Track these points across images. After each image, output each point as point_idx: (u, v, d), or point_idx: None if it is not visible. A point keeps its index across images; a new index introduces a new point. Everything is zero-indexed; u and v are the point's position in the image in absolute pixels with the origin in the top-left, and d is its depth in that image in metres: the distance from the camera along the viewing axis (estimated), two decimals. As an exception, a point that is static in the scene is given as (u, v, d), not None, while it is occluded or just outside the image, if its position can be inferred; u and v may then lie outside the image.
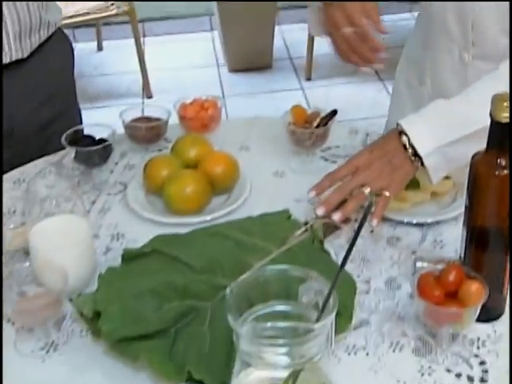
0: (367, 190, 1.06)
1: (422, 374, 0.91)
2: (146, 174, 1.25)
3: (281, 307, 0.77)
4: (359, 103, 3.28)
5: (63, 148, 1.29)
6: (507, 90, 0.99)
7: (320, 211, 1.05)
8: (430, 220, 1.17)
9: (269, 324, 0.73)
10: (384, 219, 1.17)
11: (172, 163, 1.25)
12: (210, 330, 0.91)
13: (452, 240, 1.13)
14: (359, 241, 0.92)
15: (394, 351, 0.95)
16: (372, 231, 1.13)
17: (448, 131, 1.06)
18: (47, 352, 0.96)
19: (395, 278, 1.07)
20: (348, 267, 1.05)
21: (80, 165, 1.29)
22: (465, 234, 0.96)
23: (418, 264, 1.07)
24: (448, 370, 0.92)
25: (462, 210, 0.98)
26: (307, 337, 0.70)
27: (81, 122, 1.57)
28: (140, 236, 1.16)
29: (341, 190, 1.08)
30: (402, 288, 1.05)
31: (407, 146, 1.07)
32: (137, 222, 1.21)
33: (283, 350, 0.71)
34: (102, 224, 1.22)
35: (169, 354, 0.88)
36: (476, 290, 0.90)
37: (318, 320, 0.71)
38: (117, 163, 1.39)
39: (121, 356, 0.90)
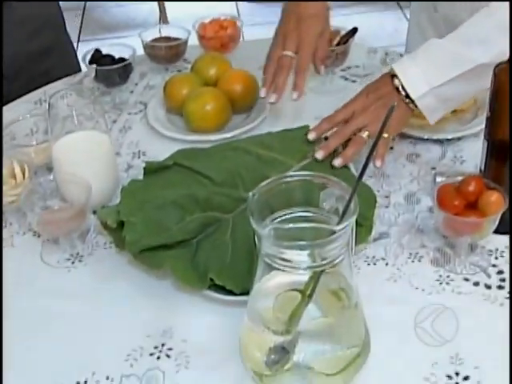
0: (365, 134, 1.07)
1: (441, 283, 0.93)
2: (167, 92, 1.25)
3: (302, 213, 0.78)
4: (379, 32, 3.24)
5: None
6: (499, 26, 0.99)
7: (320, 155, 1.06)
8: (450, 136, 1.17)
9: (290, 225, 0.74)
10: (404, 136, 1.17)
11: (192, 81, 1.24)
12: (231, 240, 0.92)
13: (472, 156, 1.14)
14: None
15: (413, 261, 0.96)
16: (392, 148, 1.13)
17: (441, 72, 1.05)
18: (73, 263, 0.99)
19: (415, 193, 1.08)
20: (368, 182, 1.08)
21: (100, 84, 1.29)
22: (485, 146, 0.96)
23: (438, 179, 1.07)
24: (466, 279, 0.93)
25: (483, 125, 0.98)
26: (329, 238, 0.71)
27: (75, 55, 1.57)
28: (160, 153, 1.16)
29: (339, 135, 1.08)
30: (422, 202, 1.06)
31: (400, 89, 1.07)
32: (157, 140, 1.22)
33: (305, 251, 0.72)
34: (123, 142, 1.23)
35: (191, 262, 0.90)
36: (496, 200, 0.90)
37: (339, 223, 0.71)
38: (137, 84, 1.39)
39: (144, 265, 0.92)
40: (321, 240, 0.72)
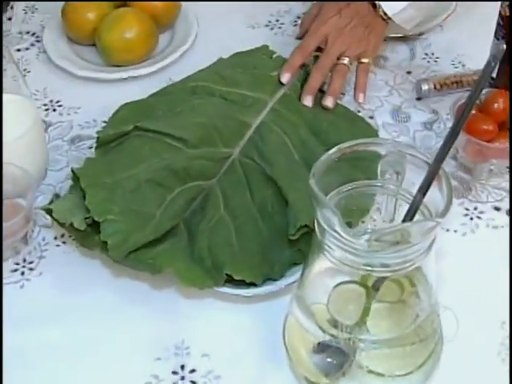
0: (346, 60, 0.89)
1: (471, 218, 0.81)
2: (68, 20, 0.99)
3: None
4: None
5: None
6: None
7: (284, 79, 0.87)
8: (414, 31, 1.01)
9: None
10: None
11: (98, 4, 0.98)
12: (229, 215, 0.74)
13: (444, 51, 1.00)
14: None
15: (429, 196, 0.83)
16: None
17: None
18: (22, 273, 0.76)
19: (400, 107, 0.93)
20: (344, 101, 0.92)
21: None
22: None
23: (424, 87, 0.93)
24: (496, 208, 0.81)
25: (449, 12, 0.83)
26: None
27: None
28: (82, 101, 0.94)
29: (320, 69, 0.89)
30: (412, 118, 0.92)
31: (377, 4, 0.89)
32: (70, 82, 0.97)
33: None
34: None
35: (191, 255, 0.71)
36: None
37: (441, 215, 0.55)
38: (12, 7, 1.10)
39: (134, 269, 0.72)
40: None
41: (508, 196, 0.82)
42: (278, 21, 1.07)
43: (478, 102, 0.79)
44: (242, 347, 0.70)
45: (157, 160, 0.75)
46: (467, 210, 0.81)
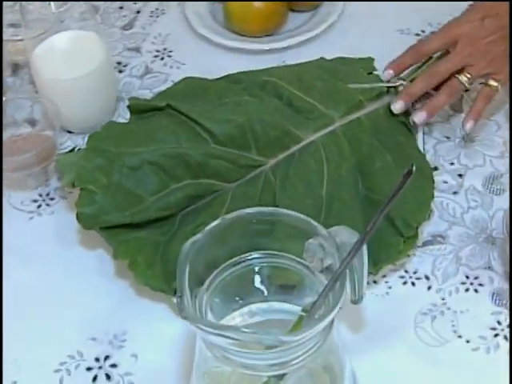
0: (465, 78, 0.75)
1: (496, 335, 0.66)
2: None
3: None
4: None
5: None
6: None
7: (398, 106, 0.75)
8: None
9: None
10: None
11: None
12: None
13: None
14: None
15: (467, 290, 0.70)
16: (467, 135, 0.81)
17: None
18: (39, 206, 0.79)
19: (501, 175, 0.78)
20: (438, 147, 0.80)
21: None
22: None
23: None
24: None
25: None
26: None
27: None
28: (192, 59, 0.93)
29: (430, 74, 0.76)
30: (506, 193, 0.77)
31: None
32: (191, 37, 0.96)
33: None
34: (149, 34, 0.97)
35: (162, 253, 0.68)
36: None
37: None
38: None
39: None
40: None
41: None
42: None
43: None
44: (172, 362, 0.66)
45: (174, 145, 0.71)
46: (499, 323, 0.67)
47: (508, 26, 0.75)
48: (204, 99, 0.75)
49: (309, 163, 0.72)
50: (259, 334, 0.43)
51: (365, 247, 0.54)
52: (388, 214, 0.69)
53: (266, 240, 0.52)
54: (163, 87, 0.86)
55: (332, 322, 0.48)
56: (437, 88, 0.77)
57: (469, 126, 0.77)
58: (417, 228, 0.69)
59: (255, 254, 0.52)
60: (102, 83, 0.81)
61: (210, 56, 0.93)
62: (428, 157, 0.79)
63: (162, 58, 0.94)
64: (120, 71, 0.92)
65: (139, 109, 0.75)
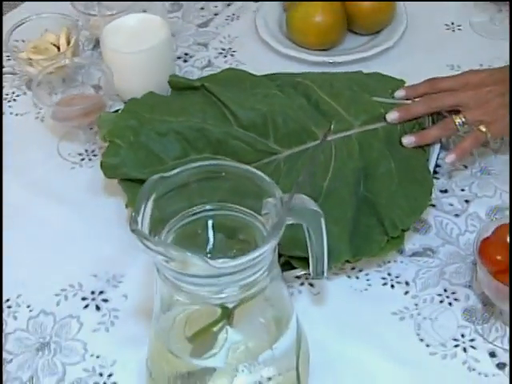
0: (460, 119, 0.80)
1: (457, 346, 0.69)
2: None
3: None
4: None
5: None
6: None
7: (392, 116, 0.81)
8: None
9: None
10: None
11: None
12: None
13: None
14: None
15: (441, 302, 0.73)
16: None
17: None
18: (82, 159, 0.89)
19: (504, 209, 0.81)
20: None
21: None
22: None
23: None
24: (492, 354, 0.69)
25: None
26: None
27: None
28: (251, 59, 1.00)
29: (430, 101, 0.82)
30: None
31: None
32: (255, 42, 1.04)
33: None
34: (219, 34, 1.05)
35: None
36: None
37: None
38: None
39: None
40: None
41: (519, 351, 0.68)
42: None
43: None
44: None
45: (199, 120, 0.79)
46: (462, 336, 0.70)
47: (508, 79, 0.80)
48: (238, 87, 0.83)
49: (318, 158, 0.78)
50: (188, 253, 0.49)
51: (323, 225, 0.60)
52: (379, 214, 0.75)
53: (224, 194, 0.58)
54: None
55: (271, 264, 0.54)
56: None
57: (450, 159, 0.80)
58: (403, 231, 0.74)
59: (209, 206, 0.58)
60: (157, 62, 0.90)
61: (268, 60, 1.00)
62: (442, 180, 0.84)
63: (225, 56, 1.02)
64: (185, 61, 1.01)
65: (178, 86, 0.83)
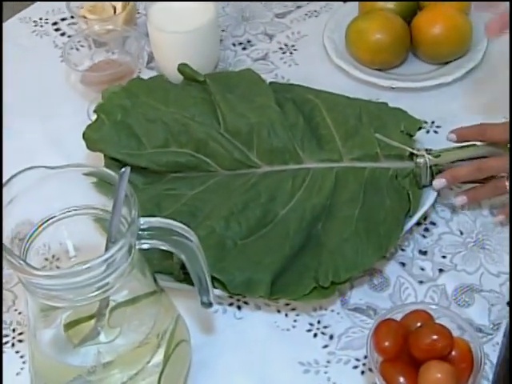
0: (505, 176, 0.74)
1: None
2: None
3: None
4: None
5: None
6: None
7: (460, 200, 0.78)
8: None
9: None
10: None
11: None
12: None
13: None
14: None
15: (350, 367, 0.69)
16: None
17: None
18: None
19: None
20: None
21: None
22: None
23: None
24: None
25: None
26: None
27: None
28: (306, 62, 0.98)
29: (477, 170, 0.76)
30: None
31: None
32: (316, 45, 0.99)
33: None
34: (290, 28, 1.03)
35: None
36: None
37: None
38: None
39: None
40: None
41: None
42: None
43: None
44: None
45: (188, 115, 0.78)
46: None
47: None
48: (241, 91, 0.81)
49: (287, 183, 0.75)
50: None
51: (201, 253, 0.58)
52: (320, 258, 0.71)
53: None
54: (264, 76, 0.93)
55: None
56: None
57: (460, 202, 0.77)
58: (333, 283, 0.70)
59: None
60: (198, 45, 0.90)
61: (321, 68, 0.96)
62: (427, 240, 0.78)
63: (284, 52, 0.99)
64: (244, 48, 1.00)
65: (185, 75, 0.83)
